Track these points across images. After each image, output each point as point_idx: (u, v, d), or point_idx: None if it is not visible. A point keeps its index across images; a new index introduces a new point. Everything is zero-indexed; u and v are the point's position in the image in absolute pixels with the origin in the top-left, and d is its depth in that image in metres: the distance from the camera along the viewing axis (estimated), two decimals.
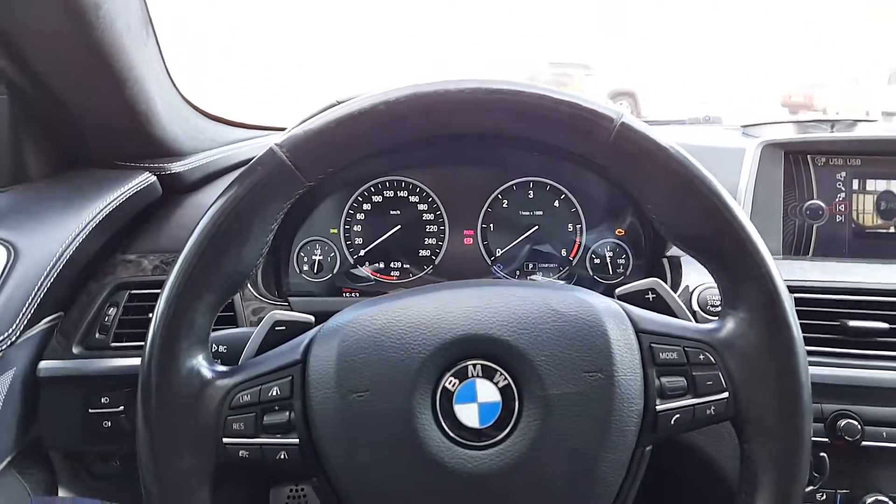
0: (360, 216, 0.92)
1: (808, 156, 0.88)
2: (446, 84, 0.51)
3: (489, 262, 0.92)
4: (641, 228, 0.92)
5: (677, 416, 0.52)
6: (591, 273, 0.91)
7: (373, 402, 0.48)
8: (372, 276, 0.92)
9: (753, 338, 0.52)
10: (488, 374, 0.48)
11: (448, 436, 0.47)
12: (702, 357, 0.53)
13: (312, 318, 0.58)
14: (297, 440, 0.49)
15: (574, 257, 0.92)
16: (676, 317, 0.59)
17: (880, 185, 0.87)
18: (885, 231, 0.86)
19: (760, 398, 0.52)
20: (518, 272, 0.92)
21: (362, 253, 0.92)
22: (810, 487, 0.75)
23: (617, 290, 0.62)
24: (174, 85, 0.87)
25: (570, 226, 0.92)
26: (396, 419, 0.47)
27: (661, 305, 0.61)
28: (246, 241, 0.51)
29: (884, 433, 0.75)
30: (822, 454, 0.75)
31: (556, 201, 0.92)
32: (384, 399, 0.48)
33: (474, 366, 0.49)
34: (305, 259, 0.92)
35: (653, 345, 0.53)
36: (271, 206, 0.51)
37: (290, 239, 0.92)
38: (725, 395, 0.52)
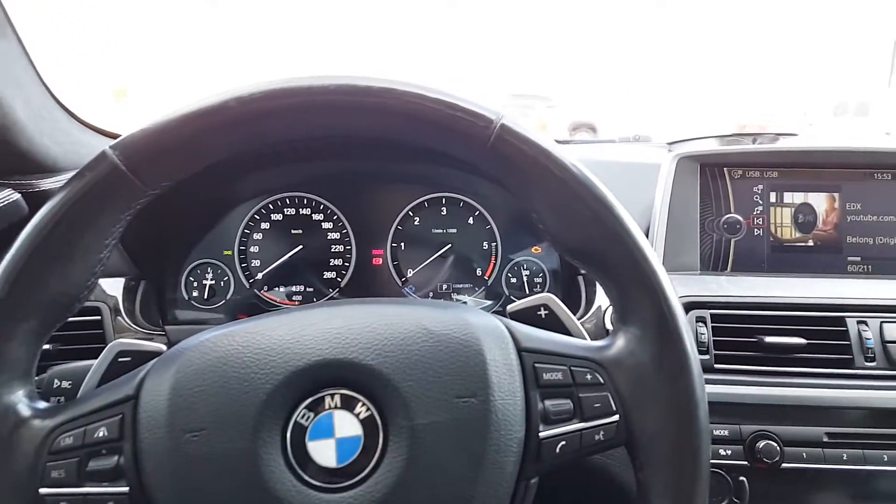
0: (257, 236, 0.86)
1: (725, 168, 0.86)
2: (309, 80, 0.47)
3: (400, 283, 0.87)
4: None
5: (563, 443, 0.47)
6: (507, 292, 0.87)
7: (210, 442, 0.41)
8: (271, 301, 0.87)
9: (644, 355, 0.48)
10: (348, 405, 0.42)
11: (300, 478, 0.41)
12: (589, 377, 0.48)
13: (164, 347, 0.51)
14: (127, 488, 0.42)
15: (490, 276, 0.88)
16: (570, 334, 0.55)
17: (798, 197, 0.85)
18: (802, 245, 0.84)
19: (652, 421, 0.48)
20: (432, 293, 0.87)
21: (260, 276, 0.86)
22: None
23: (508, 308, 0.57)
24: (49, 92, 0.80)
25: (485, 244, 0.88)
26: (238, 462, 0.41)
27: (554, 322, 0.57)
28: (72, 258, 0.44)
29: (803, 454, 0.72)
30: (741, 478, 0.71)
31: (471, 218, 0.88)
32: (223, 438, 0.41)
33: (332, 396, 0.42)
34: (195, 284, 0.85)
35: (536, 365, 0.48)
36: (104, 217, 0.44)
37: (178, 262, 0.85)
38: (615, 418, 0.48)
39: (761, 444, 0.71)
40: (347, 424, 0.42)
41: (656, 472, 0.48)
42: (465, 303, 0.88)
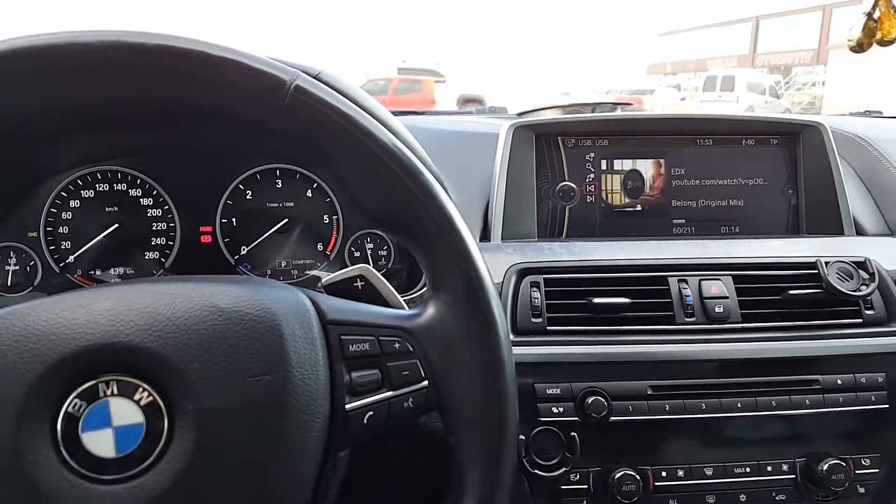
0: (66, 215, 0.78)
1: (559, 137, 0.88)
2: (71, 36, 0.42)
3: (233, 261, 0.83)
4: None
5: (371, 413, 0.46)
6: (350, 266, 0.85)
7: None
8: (86, 286, 0.80)
9: (452, 322, 0.48)
10: (126, 392, 0.39)
11: (75, 471, 0.37)
12: (398, 345, 0.48)
13: None
14: None
15: (332, 251, 0.85)
16: (388, 305, 0.55)
17: (626, 164, 0.88)
18: (632, 209, 0.88)
19: (460, 385, 0.48)
20: (270, 271, 0.84)
21: (71, 259, 0.78)
22: (563, 469, 0.74)
23: (323, 281, 0.55)
24: None
25: (325, 217, 0.85)
26: (0, 459, 0.37)
27: (372, 294, 0.56)
28: None
29: (629, 407, 0.75)
30: (572, 434, 0.74)
31: (309, 191, 0.85)
32: None
33: (107, 383, 0.39)
34: None
35: (342, 337, 0.47)
36: None
37: None
38: (424, 384, 0.48)
39: (590, 399, 0.74)
40: (126, 412, 0.39)
41: (466, 434, 0.48)
42: (318, 278, 0.85)
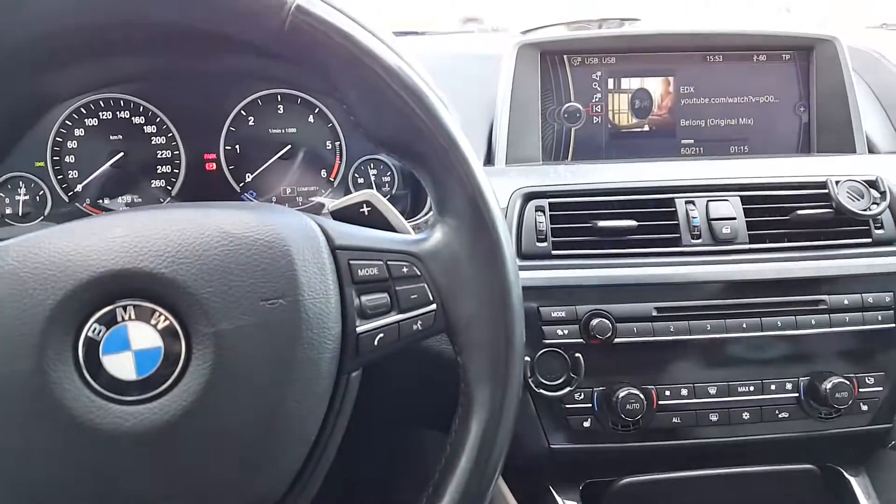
0: (71, 144, 0.78)
1: (565, 56, 0.85)
2: None
3: (238, 188, 0.83)
4: None
5: (381, 335, 0.48)
6: (355, 192, 0.85)
7: None
8: (95, 214, 0.80)
9: (458, 245, 0.49)
10: (143, 316, 0.40)
11: (99, 393, 0.39)
12: (405, 269, 0.48)
13: None
14: None
15: (335, 177, 0.85)
16: (395, 231, 0.55)
17: (634, 83, 0.86)
18: (639, 130, 0.87)
19: (468, 307, 0.49)
20: (275, 198, 0.84)
21: (79, 188, 0.79)
22: (567, 389, 0.76)
23: (329, 206, 0.56)
24: None
25: (328, 143, 0.84)
26: (23, 385, 0.38)
27: (378, 219, 0.56)
28: None
29: (634, 328, 0.76)
30: (577, 354, 0.75)
31: (311, 116, 0.83)
32: (4, 361, 0.38)
33: (125, 308, 0.40)
34: (7, 201, 0.77)
35: (351, 262, 0.47)
36: None
37: None
38: (433, 307, 0.49)
39: (595, 322, 0.75)
40: (145, 336, 0.40)
41: (474, 354, 0.49)
42: (322, 204, 0.85)
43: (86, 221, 0.44)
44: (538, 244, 0.76)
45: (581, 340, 0.76)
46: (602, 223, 0.76)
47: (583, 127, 0.86)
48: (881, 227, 0.79)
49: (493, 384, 0.49)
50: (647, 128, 0.86)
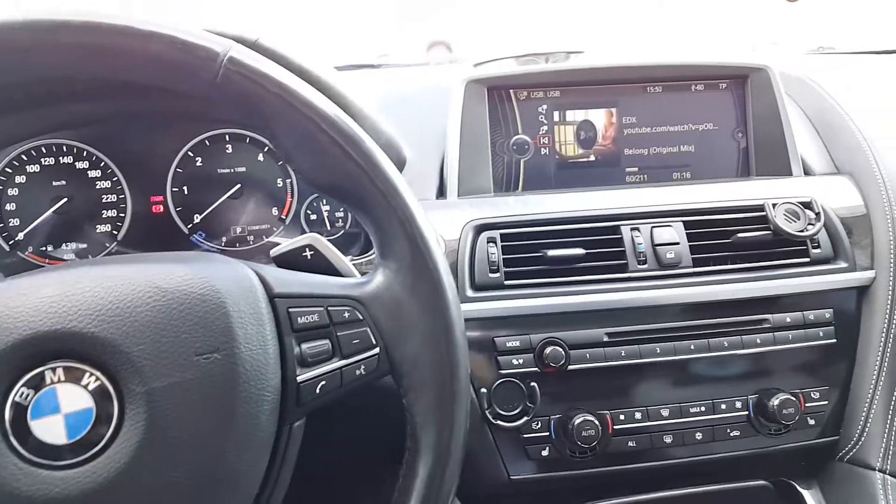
0: (12, 192, 0.76)
1: (511, 91, 0.87)
2: None
3: (186, 230, 0.82)
4: None
5: (323, 383, 0.47)
6: (308, 230, 0.85)
7: None
8: (38, 263, 0.78)
9: (400, 287, 0.49)
10: (73, 377, 0.39)
11: (27, 459, 0.38)
12: (347, 314, 0.48)
13: None
14: None
15: (287, 215, 0.85)
16: (339, 274, 0.55)
17: (579, 115, 0.88)
18: (585, 160, 0.89)
19: (411, 349, 0.49)
20: (225, 238, 0.83)
21: (21, 237, 0.77)
22: (525, 418, 0.76)
23: (271, 253, 0.56)
24: None
25: (279, 181, 0.84)
26: None
27: (322, 263, 0.56)
28: None
29: (587, 355, 0.78)
30: (532, 383, 0.76)
31: (260, 155, 0.83)
32: None
33: (54, 370, 0.39)
34: None
35: (290, 309, 0.47)
36: None
37: None
38: (376, 351, 0.49)
39: (548, 350, 0.76)
40: (75, 397, 0.39)
41: (419, 396, 0.49)
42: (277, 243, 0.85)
43: (16, 281, 0.43)
44: (491, 275, 0.77)
45: (536, 369, 0.77)
46: (552, 252, 0.78)
47: (531, 158, 0.88)
48: (818, 247, 0.82)
49: (439, 425, 0.49)
50: (592, 157, 0.89)
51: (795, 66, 1.05)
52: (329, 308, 0.48)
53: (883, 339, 0.83)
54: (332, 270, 0.55)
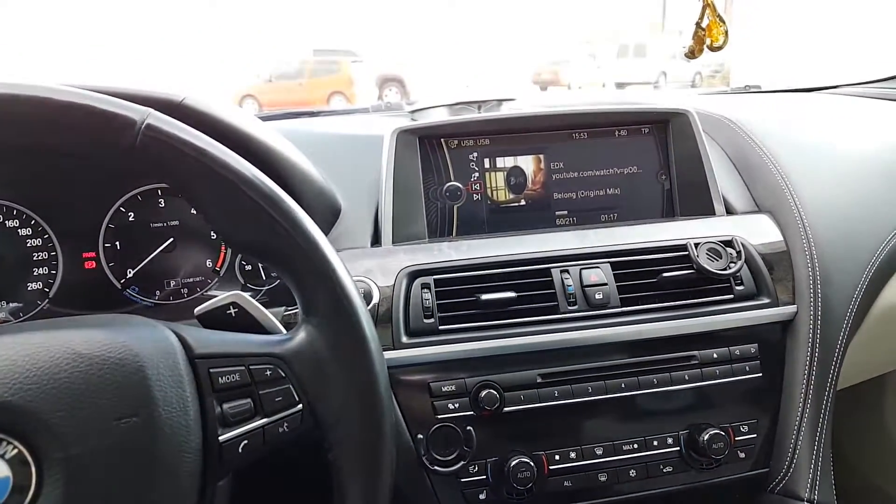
0: None
1: (442, 139, 0.90)
2: None
3: (119, 285, 0.82)
4: None
5: (245, 442, 0.48)
6: (242, 281, 0.85)
7: None
8: None
9: (323, 343, 0.50)
10: None
11: None
12: (269, 373, 0.49)
13: None
14: None
15: (221, 267, 0.85)
16: (265, 331, 0.56)
17: (508, 161, 0.91)
18: (516, 205, 0.91)
19: (335, 404, 0.50)
20: (159, 293, 0.83)
21: None
22: (461, 463, 0.77)
23: (195, 311, 0.56)
24: None
25: (212, 233, 0.85)
26: None
27: (247, 320, 0.56)
28: None
29: (521, 397, 0.79)
30: (468, 427, 0.77)
31: (192, 208, 0.84)
32: None
33: None
34: None
35: (211, 370, 0.48)
36: None
37: None
38: (299, 408, 0.50)
39: (483, 393, 0.77)
40: None
41: (344, 451, 0.50)
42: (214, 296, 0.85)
43: None
44: (425, 321, 0.78)
45: (472, 413, 0.78)
46: (485, 296, 0.79)
47: (464, 204, 0.90)
48: (741, 284, 0.86)
49: (364, 479, 0.50)
50: (523, 202, 0.91)
51: (718, 106, 1.10)
52: (251, 367, 0.49)
53: (807, 371, 0.86)
54: (257, 327, 0.56)
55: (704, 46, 0.92)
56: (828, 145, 1.02)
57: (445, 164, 0.90)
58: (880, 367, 1.15)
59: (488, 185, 0.90)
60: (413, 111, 1.11)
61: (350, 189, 0.89)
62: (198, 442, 0.45)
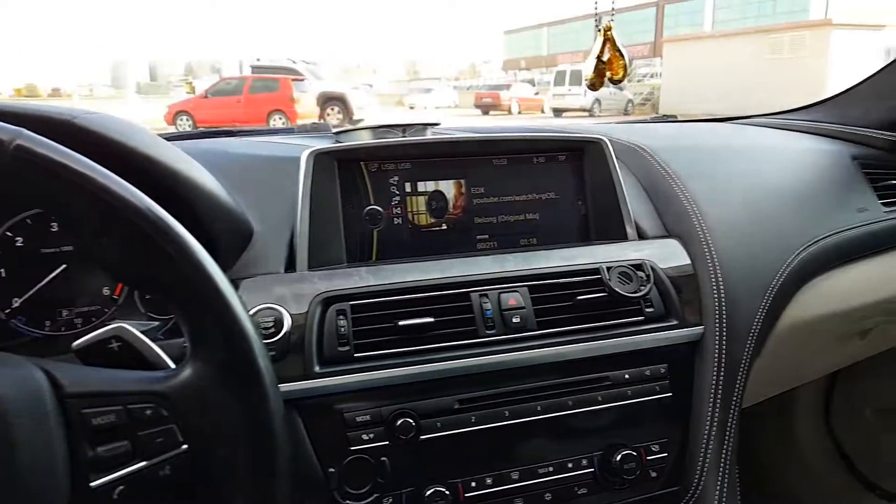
0: None
1: (361, 163, 0.88)
2: None
3: (4, 315, 0.76)
4: None
5: (121, 487, 0.45)
6: (143, 310, 0.81)
7: None
8: None
9: (210, 379, 0.47)
10: None
11: None
12: (149, 412, 0.46)
13: None
14: None
15: (119, 295, 0.80)
16: (151, 366, 0.52)
17: (430, 185, 0.91)
18: (438, 229, 0.91)
19: (224, 444, 0.47)
20: (49, 323, 0.77)
21: None
22: (375, 496, 0.75)
23: (73, 345, 0.52)
24: None
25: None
26: None
27: (130, 354, 0.53)
28: None
29: (438, 423, 0.78)
30: (383, 459, 0.75)
31: (70, 235, 0.79)
32: None
33: None
34: None
35: (84, 410, 0.44)
36: None
37: None
38: (183, 448, 0.47)
39: (399, 422, 0.76)
40: None
41: (234, 494, 0.47)
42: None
43: None
44: (340, 348, 0.76)
45: (387, 443, 0.76)
46: (402, 322, 0.78)
47: (385, 228, 0.89)
48: (651, 306, 0.88)
49: None
50: (444, 226, 0.91)
51: (635, 134, 1.14)
52: (129, 406, 0.46)
53: (713, 391, 0.89)
54: (142, 362, 0.52)
55: (605, 79, 0.96)
56: (735, 172, 1.07)
57: (365, 188, 0.88)
58: (784, 384, 1.21)
59: (409, 209, 0.90)
60: (338, 132, 1.09)
61: (265, 212, 0.86)
62: (65, 488, 0.42)
